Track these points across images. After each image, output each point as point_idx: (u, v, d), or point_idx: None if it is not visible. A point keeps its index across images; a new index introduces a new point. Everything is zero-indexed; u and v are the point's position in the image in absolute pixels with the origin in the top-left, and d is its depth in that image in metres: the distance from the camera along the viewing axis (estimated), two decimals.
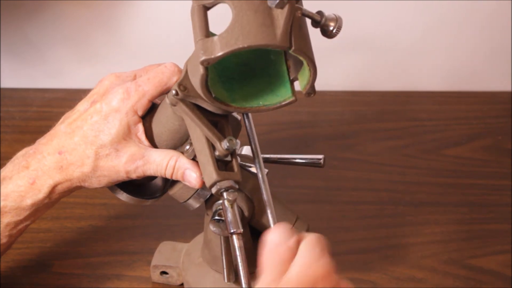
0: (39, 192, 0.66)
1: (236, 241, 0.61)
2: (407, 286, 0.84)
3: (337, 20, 0.59)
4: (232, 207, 0.62)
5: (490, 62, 1.20)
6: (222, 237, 0.70)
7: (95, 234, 0.88)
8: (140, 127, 0.66)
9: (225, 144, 0.61)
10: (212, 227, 0.68)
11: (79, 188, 0.68)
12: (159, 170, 0.66)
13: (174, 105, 0.62)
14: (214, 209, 0.70)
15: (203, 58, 0.54)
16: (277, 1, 0.54)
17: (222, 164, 0.63)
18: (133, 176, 0.67)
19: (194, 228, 0.85)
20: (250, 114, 0.67)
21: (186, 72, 0.60)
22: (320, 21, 0.59)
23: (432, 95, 1.20)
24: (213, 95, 0.59)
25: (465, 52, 1.19)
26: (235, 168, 0.63)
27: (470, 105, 1.18)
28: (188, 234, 0.85)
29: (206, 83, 0.58)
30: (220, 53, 0.54)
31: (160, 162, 0.66)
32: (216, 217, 0.68)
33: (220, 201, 0.66)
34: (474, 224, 0.93)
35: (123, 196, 0.71)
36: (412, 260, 0.87)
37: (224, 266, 0.72)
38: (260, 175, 0.66)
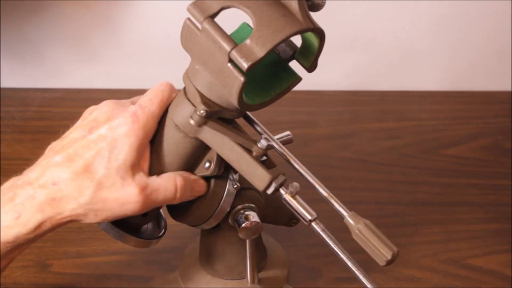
0: (24, 228, 0.59)
1: (317, 227, 0.62)
2: (407, 286, 0.84)
3: None
4: (295, 198, 0.62)
5: (490, 62, 1.20)
6: (248, 241, 0.70)
7: (95, 234, 0.88)
8: (147, 154, 0.62)
9: (263, 143, 0.61)
10: (243, 235, 0.67)
11: (69, 222, 0.61)
12: (168, 195, 0.62)
13: (200, 126, 0.60)
14: (232, 219, 0.69)
15: (249, 63, 0.54)
16: None
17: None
18: (143, 208, 0.61)
19: (193, 228, 0.85)
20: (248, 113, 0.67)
21: (199, 91, 0.60)
22: None
23: (432, 95, 1.20)
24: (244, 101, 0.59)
25: (465, 52, 1.19)
26: (274, 163, 0.62)
27: (469, 105, 1.18)
28: (187, 233, 0.85)
29: (242, 93, 0.57)
30: (263, 53, 0.54)
31: (166, 185, 0.62)
32: (243, 224, 0.67)
33: (237, 208, 0.68)
34: (474, 224, 0.93)
35: (133, 242, 0.67)
36: (412, 260, 0.87)
37: (249, 269, 0.72)
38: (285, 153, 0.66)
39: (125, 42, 1.14)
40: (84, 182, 0.59)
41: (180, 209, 0.69)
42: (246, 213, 0.68)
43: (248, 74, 0.55)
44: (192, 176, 0.64)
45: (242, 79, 0.55)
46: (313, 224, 0.62)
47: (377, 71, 1.20)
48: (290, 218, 0.77)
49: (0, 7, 1.10)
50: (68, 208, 0.59)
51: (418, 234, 0.91)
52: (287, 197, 0.62)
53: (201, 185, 0.65)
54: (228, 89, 0.57)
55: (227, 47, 0.55)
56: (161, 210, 0.71)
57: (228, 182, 0.67)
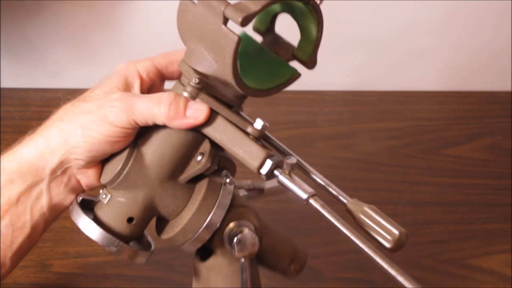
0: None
1: (316, 203, 0.56)
2: None
3: None
4: (291, 176, 0.57)
5: (490, 62, 1.20)
6: (244, 261, 0.63)
7: None
8: (137, 83, 0.61)
9: (258, 123, 0.58)
10: (239, 250, 0.61)
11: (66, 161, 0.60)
12: (152, 101, 0.57)
13: (195, 98, 0.57)
14: (226, 238, 0.62)
15: (244, 15, 0.53)
16: None
17: None
18: (126, 109, 0.57)
19: None
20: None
21: (192, 68, 0.58)
22: None
23: (432, 95, 1.20)
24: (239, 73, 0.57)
25: (465, 52, 1.19)
26: (270, 148, 0.59)
27: (470, 105, 1.18)
28: None
29: (236, 56, 0.55)
30: (258, 8, 0.53)
31: (157, 96, 0.57)
32: (235, 240, 0.61)
33: (231, 226, 0.61)
34: (474, 224, 0.93)
35: (144, 257, 0.62)
36: (412, 260, 0.87)
37: None
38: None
39: (126, 42, 1.14)
40: (70, 105, 0.63)
41: (167, 223, 0.63)
42: (241, 228, 0.62)
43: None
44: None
45: (235, 37, 0.54)
46: (311, 200, 0.56)
47: (377, 71, 1.20)
48: (291, 260, 0.69)
49: (0, 7, 1.10)
50: (51, 126, 0.62)
51: (418, 234, 0.91)
52: (282, 177, 0.57)
53: (199, 104, 0.58)
54: (223, 58, 0.55)
55: (221, 6, 0.54)
56: (147, 235, 0.66)
57: (221, 189, 0.62)
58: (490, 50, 1.18)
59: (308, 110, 1.14)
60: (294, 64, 0.63)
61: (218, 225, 0.61)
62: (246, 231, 0.61)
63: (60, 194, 0.62)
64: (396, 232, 0.56)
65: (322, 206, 0.56)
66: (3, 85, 1.16)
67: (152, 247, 0.65)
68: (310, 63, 0.60)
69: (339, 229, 0.57)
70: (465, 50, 1.18)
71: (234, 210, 0.62)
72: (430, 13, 1.14)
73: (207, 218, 0.61)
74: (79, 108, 0.60)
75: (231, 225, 0.62)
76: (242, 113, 0.62)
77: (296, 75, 0.61)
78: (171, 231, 0.62)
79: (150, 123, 0.58)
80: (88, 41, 1.15)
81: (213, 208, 0.61)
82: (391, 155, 1.05)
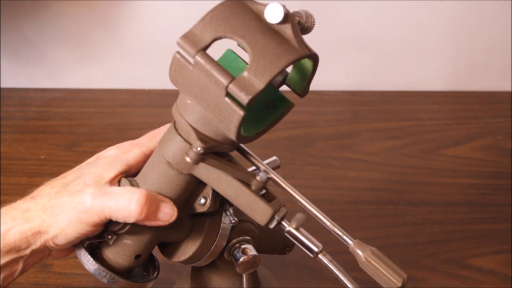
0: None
1: (324, 258, 0.60)
2: (407, 286, 0.84)
3: (311, 15, 0.58)
4: (299, 230, 0.60)
5: (490, 62, 1.20)
6: (245, 275, 0.66)
7: None
8: (120, 173, 0.61)
9: (262, 176, 0.58)
10: (241, 270, 0.64)
11: (36, 237, 0.60)
12: (122, 203, 0.58)
13: (197, 164, 0.57)
14: (228, 253, 0.65)
15: (250, 97, 0.51)
16: (280, 18, 0.54)
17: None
18: (96, 214, 0.58)
19: None
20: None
21: (192, 126, 0.57)
22: (302, 21, 0.58)
23: (432, 95, 1.20)
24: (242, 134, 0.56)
25: (465, 52, 1.19)
26: (273, 195, 0.60)
27: (469, 105, 1.18)
28: None
29: (241, 126, 0.54)
30: (263, 85, 0.52)
31: (122, 193, 0.59)
32: (241, 259, 0.64)
33: (233, 241, 0.64)
34: (474, 224, 0.93)
35: (127, 286, 0.65)
36: (412, 260, 0.87)
37: None
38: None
39: (125, 42, 1.14)
40: (55, 191, 0.60)
41: (173, 248, 0.65)
42: (243, 246, 0.65)
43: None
44: (159, 196, 0.60)
45: (241, 113, 0.53)
46: (320, 256, 0.60)
47: (377, 71, 1.20)
48: (284, 246, 0.74)
49: (0, 7, 1.10)
50: (35, 214, 0.60)
51: (418, 234, 0.91)
52: (291, 229, 0.60)
53: (170, 208, 0.60)
54: (226, 123, 0.54)
55: (224, 81, 0.52)
56: (153, 252, 0.67)
57: (223, 216, 0.64)
58: (490, 50, 1.18)
59: (308, 110, 1.14)
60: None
61: (224, 245, 0.64)
62: (248, 251, 0.64)
63: (35, 261, 0.64)
64: (398, 281, 0.59)
65: (330, 260, 0.60)
66: (3, 85, 1.16)
67: (157, 271, 0.67)
68: (303, 93, 0.59)
69: (345, 284, 0.60)
70: (465, 50, 1.18)
71: (235, 226, 0.65)
72: (430, 13, 1.14)
73: (211, 248, 0.64)
74: (58, 200, 0.60)
75: (233, 241, 0.65)
76: (250, 153, 0.62)
77: (290, 106, 0.60)
78: (176, 258, 0.65)
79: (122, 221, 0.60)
80: (88, 41, 1.15)
81: (216, 238, 0.64)
82: (391, 155, 1.05)
